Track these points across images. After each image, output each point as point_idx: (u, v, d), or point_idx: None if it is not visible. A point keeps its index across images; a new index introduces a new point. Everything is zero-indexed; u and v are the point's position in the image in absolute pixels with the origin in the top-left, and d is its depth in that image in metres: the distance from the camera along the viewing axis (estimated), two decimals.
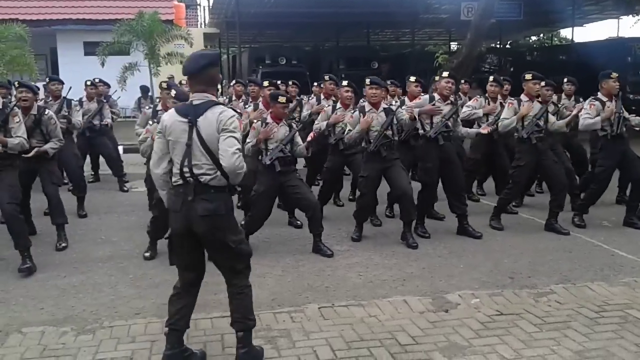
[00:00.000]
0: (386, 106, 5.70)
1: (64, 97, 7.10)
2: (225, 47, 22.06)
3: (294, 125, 5.54)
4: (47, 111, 5.60)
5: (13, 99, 6.72)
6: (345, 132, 5.67)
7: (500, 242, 5.71)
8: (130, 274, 4.87)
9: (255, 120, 5.62)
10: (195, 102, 3.15)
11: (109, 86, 9.33)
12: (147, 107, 7.17)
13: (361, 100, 6.83)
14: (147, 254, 5.25)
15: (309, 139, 5.49)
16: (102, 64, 13.03)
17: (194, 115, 3.10)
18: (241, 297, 3.28)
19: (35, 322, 3.91)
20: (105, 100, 8.48)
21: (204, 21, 26.33)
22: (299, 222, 6.18)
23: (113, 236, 6.00)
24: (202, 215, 3.08)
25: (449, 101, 5.81)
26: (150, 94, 11.79)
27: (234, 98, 8.32)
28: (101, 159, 8.60)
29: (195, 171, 3.10)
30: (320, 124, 6.38)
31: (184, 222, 3.15)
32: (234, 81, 9.25)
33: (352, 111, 5.82)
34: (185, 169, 3.11)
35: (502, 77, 7.39)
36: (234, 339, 3.33)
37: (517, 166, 6.10)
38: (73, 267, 5.03)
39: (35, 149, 5.30)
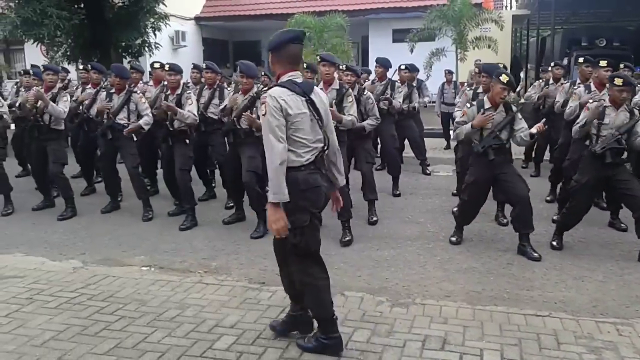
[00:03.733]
0: None
1: (389, 79, 7.46)
2: (534, 29, 20.65)
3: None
4: (366, 91, 6.00)
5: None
6: None
7: None
8: (437, 255, 4.95)
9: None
10: None
11: (417, 71, 9.60)
12: (468, 89, 7.09)
13: None
14: (453, 239, 5.27)
15: None
16: (411, 51, 13.53)
17: None
18: None
19: (354, 287, 4.25)
20: (415, 85, 8.76)
21: (509, 3, 25.37)
22: (623, 224, 5.48)
23: (419, 217, 6.19)
24: None
25: None
26: (454, 79, 11.80)
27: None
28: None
29: None
30: None
31: None
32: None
33: None
34: None
35: None
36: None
37: None
38: (384, 242, 5.34)
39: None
